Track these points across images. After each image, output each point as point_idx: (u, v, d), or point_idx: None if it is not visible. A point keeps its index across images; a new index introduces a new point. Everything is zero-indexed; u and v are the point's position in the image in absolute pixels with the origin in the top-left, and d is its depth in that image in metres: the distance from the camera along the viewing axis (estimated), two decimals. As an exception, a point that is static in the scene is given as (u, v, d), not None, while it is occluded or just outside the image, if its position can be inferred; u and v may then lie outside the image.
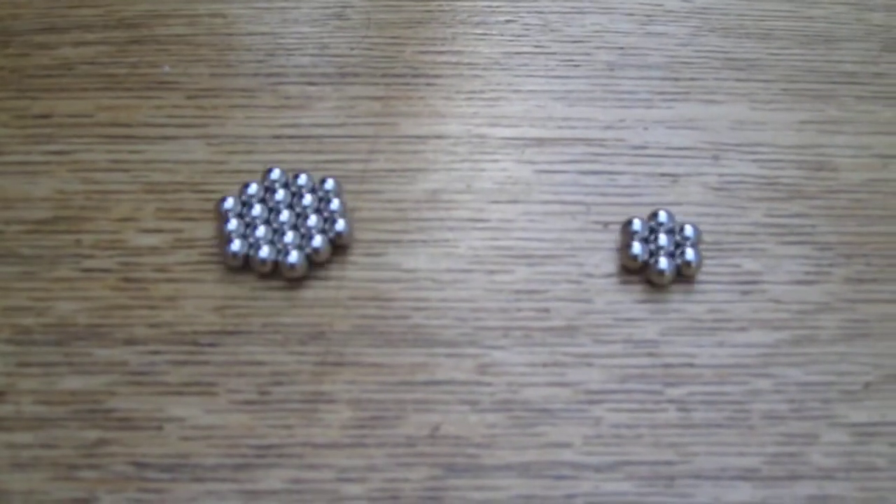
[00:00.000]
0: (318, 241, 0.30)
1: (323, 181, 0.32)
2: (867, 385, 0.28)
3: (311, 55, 0.37)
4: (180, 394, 0.28)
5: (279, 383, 0.28)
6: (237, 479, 0.27)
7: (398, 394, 0.28)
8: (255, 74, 0.36)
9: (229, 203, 0.31)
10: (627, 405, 0.28)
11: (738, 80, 0.37)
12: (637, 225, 0.31)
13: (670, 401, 0.28)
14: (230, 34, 0.38)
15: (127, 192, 0.33)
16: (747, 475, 0.27)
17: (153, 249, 0.31)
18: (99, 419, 0.28)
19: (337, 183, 0.32)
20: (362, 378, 0.29)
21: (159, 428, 0.27)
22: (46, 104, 0.35)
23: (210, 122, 0.35)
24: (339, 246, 0.31)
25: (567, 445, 0.27)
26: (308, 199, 0.31)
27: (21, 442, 0.27)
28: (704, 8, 0.39)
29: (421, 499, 0.26)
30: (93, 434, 0.27)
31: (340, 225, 0.31)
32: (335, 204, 0.31)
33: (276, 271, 0.31)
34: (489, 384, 0.28)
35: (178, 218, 0.32)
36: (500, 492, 0.26)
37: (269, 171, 0.32)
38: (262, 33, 0.38)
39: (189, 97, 0.36)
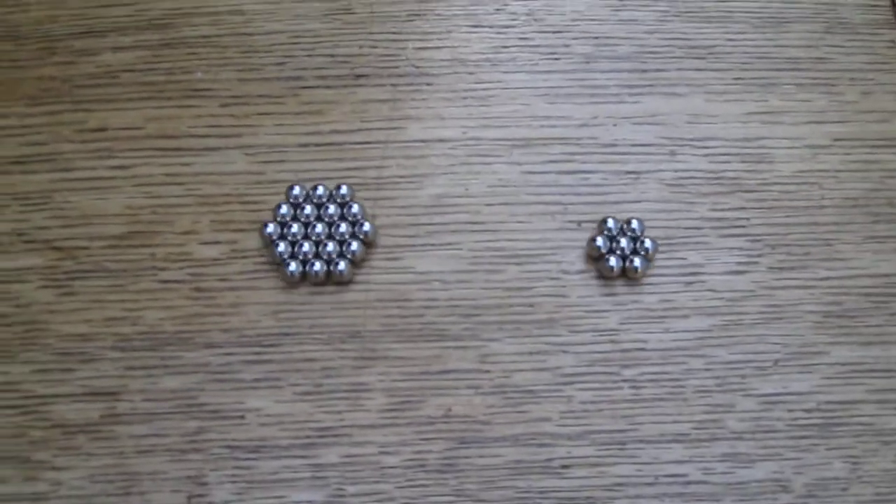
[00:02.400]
0: (355, 245, 0.38)
1: (339, 188, 0.39)
2: (776, 362, 0.38)
3: (325, 55, 0.42)
4: (254, 388, 0.37)
5: (328, 376, 0.37)
6: (305, 455, 0.36)
7: (419, 382, 0.37)
8: (278, 78, 0.42)
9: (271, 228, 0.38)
10: (592, 385, 0.37)
11: (697, 69, 0.42)
12: (599, 241, 0.38)
13: (625, 380, 0.37)
14: (251, 33, 0.43)
15: (184, 206, 0.40)
16: (679, 438, 0.36)
17: (214, 260, 0.39)
18: (195, 412, 0.37)
19: (350, 189, 0.39)
20: (391, 369, 0.37)
21: (242, 417, 0.37)
22: (100, 117, 0.41)
23: (244, 131, 0.41)
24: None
25: (547, 419, 0.37)
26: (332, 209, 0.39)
27: (140, 433, 0.36)
28: (672, -11, 0.44)
29: (441, 466, 0.36)
30: (193, 424, 0.37)
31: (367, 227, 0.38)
32: (356, 208, 0.39)
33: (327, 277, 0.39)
34: (488, 371, 0.37)
35: (231, 230, 0.39)
36: (498, 458, 0.36)
37: (291, 187, 0.39)
38: (279, 31, 0.43)
39: (223, 105, 0.42)
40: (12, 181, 0.40)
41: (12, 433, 0.36)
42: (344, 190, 0.39)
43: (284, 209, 0.39)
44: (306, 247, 0.38)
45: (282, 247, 0.38)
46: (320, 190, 0.39)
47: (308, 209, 0.39)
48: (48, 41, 0.43)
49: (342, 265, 0.38)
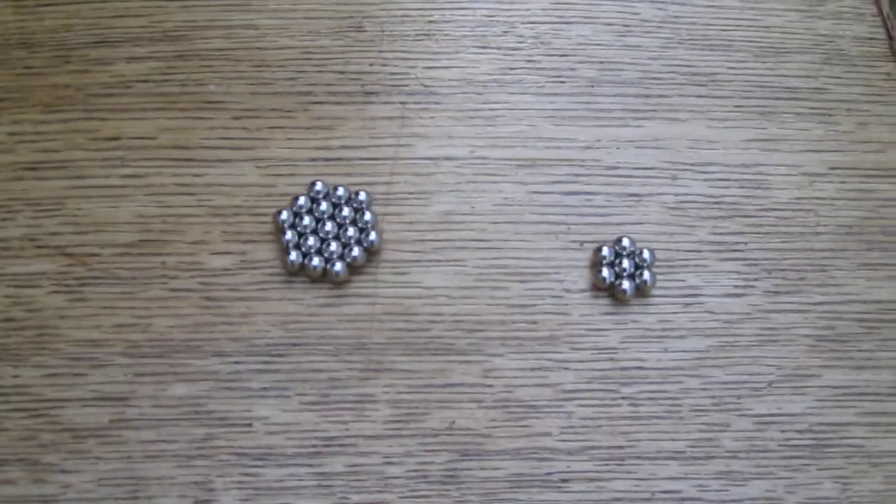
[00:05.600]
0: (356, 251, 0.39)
1: (357, 193, 0.40)
2: (770, 383, 0.39)
3: (336, 72, 0.43)
4: (262, 397, 0.38)
5: (334, 387, 0.38)
6: (311, 464, 0.37)
7: (424, 394, 0.38)
8: (289, 93, 0.43)
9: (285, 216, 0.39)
10: (592, 402, 0.38)
11: (699, 96, 0.44)
12: (605, 251, 0.39)
13: (624, 398, 0.38)
14: (263, 48, 0.44)
15: (196, 216, 0.40)
16: (675, 456, 0.37)
17: (225, 270, 0.40)
18: (203, 419, 0.37)
19: (368, 196, 0.40)
20: (397, 382, 0.38)
21: (249, 425, 0.37)
22: (114, 126, 0.42)
23: (256, 143, 0.42)
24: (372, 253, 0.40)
25: (547, 434, 0.38)
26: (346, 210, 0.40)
27: (148, 438, 0.37)
28: (676, 17, 0.45)
29: (443, 477, 0.37)
30: (201, 431, 0.37)
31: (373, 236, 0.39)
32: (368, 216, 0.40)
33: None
34: (491, 386, 0.38)
35: (241, 241, 0.40)
36: (498, 471, 0.37)
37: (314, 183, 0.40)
38: (291, 47, 0.44)
39: (235, 118, 0.42)
40: (25, 187, 0.41)
41: (22, 436, 0.37)
42: (363, 196, 0.40)
43: (302, 201, 0.40)
44: (311, 240, 0.39)
45: (289, 235, 0.39)
46: (340, 191, 0.40)
47: (324, 206, 0.40)
48: (63, 50, 0.43)
49: (342, 264, 0.39)
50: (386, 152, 0.42)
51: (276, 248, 0.40)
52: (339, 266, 0.39)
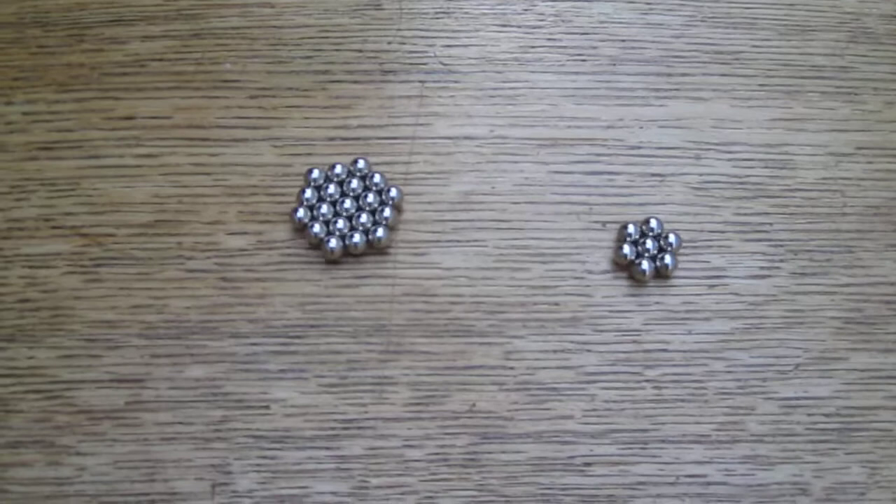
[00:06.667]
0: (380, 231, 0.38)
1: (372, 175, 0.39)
2: (797, 366, 0.38)
3: (353, 50, 0.42)
4: (280, 379, 0.37)
5: (353, 369, 0.37)
6: (329, 447, 0.36)
7: (444, 376, 0.37)
8: (306, 72, 0.42)
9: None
10: (615, 384, 0.38)
11: (722, 74, 0.43)
12: (631, 228, 0.39)
13: (647, 380, 0.38)
14: (280, 26, 0.43)
15: (212, 196, 0.40)
16: (700, 439, 0.37)
17: (241, 251, 0.39)
18: (220, 401, 0.37)
19: (383, 179, 0.39)
20: (416, 364, 0.38)
21: (267, 407, 0.37)
22: (129, 105, 0.41)
23: (272, 123, 0.41)
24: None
25: (570, 417, 0.37)
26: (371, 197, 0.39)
27: (164, 420, 0.37)
28: (699, -6, 0.44)
29: (464, 460, 0.36)
30: (218, 413, 0.37)
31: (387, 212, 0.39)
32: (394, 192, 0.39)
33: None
34: (512, 368, 0.38)
35: (258, 221, 0.39)
36: (520, 454, 0.36)
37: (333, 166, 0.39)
38: (308, 25, 0.43)
39: (251, 97, 0.42)
40: (40, 167, 0.40)
41: (37, 417, 0.36)
42: (361, 164, 0.39)
43: (309, 193, 0.39)
44: (340, 223, 0.39)
45: (316, 227, 0.38)
46: (338, 168, 0.39)
47: (332, 188, 0.39)
48: (77, 28, 0.43)
49: (380, 231, 0.38)
50: (405, 132, 0.41)
51: (292, 226, 0.39)
52: (333, 242, 0.38)
